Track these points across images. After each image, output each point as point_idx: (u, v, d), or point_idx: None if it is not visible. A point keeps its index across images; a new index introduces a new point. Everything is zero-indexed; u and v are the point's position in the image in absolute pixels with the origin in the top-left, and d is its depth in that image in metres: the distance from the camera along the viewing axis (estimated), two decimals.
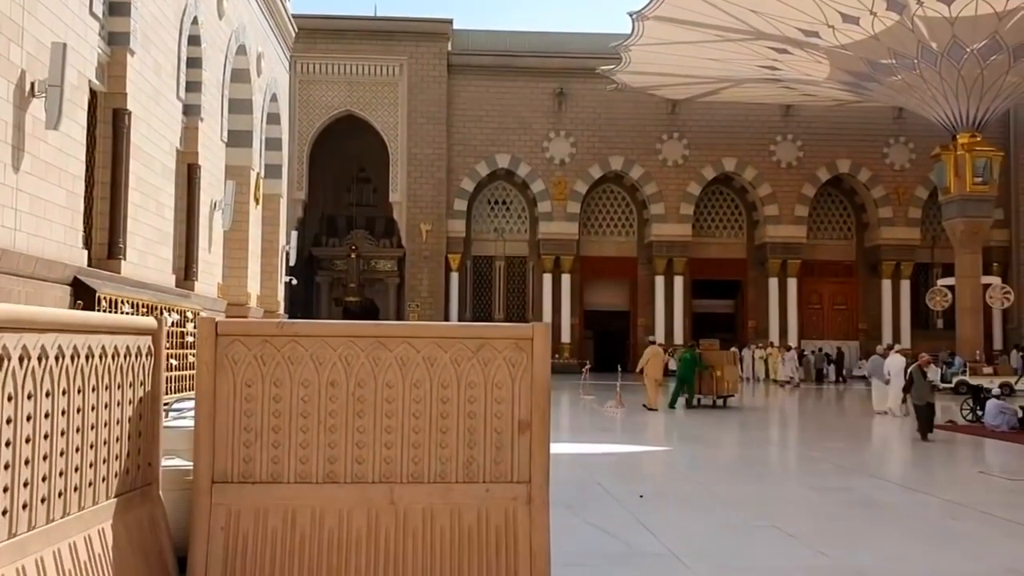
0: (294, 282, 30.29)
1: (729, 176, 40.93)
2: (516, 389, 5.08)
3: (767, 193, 40.26)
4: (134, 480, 4.63)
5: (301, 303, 38.39)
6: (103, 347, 4.21)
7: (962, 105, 29.73)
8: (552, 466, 11.09)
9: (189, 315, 18.39)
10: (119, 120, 15.12)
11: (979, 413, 17.80)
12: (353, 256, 38.88)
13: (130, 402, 4.54)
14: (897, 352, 20.70)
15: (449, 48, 39.08)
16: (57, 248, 12.46)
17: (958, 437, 16.04)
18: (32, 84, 11.34)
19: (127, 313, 14.61)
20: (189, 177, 19.54)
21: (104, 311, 13.52)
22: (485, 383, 5.05)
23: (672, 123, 40.01)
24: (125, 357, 4.47)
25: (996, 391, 19.25)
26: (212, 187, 20.82)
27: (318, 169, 39.15)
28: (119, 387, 4.40)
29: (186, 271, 19.42)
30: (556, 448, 13.07)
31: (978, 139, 30.20)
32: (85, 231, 14.42)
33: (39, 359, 3.54)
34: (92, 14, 13.34)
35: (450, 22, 39.02)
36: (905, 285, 40.72)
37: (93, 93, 14.48)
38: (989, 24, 26.65)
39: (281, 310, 28.15)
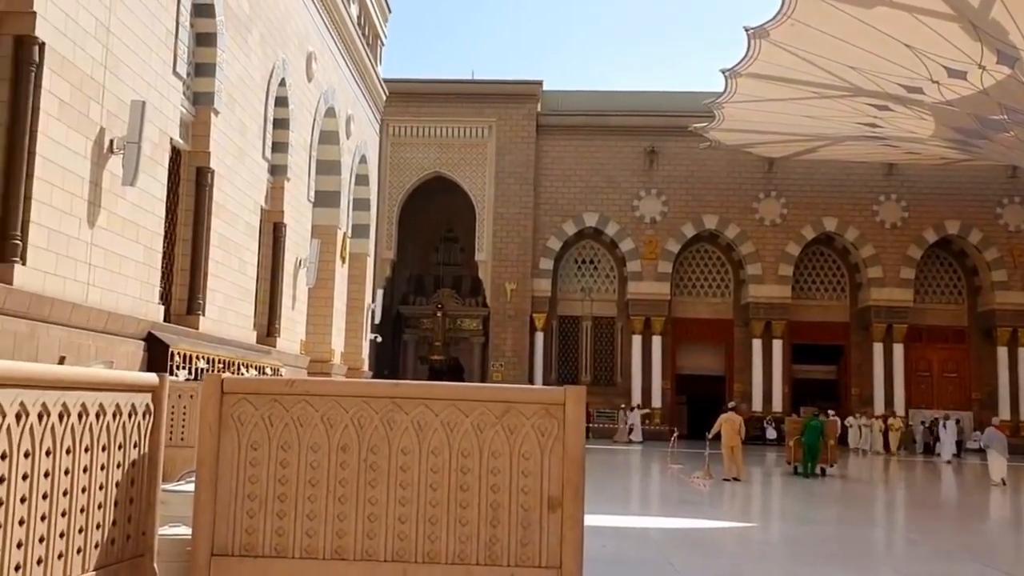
0: (379, 339, 30.36)
1: (830, 236, 39.52)
2: (546, 461, 4.49)
3: (870, 254, 38.62)
4: (121, 551, 4.24)
5: (388, 361, 38.52)
6: (83, 405, 3.85)
7: None
8: (623, 542, 10.39)
9: (269, 371, 18.44)
10: (202, 178, 15.37)
11: None
12: (439, 315, 38.91)
13: (119, 465, 4.17)
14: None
15: (538, 109, 39.24)
16: (132, 303, 12.55)
17: None
18: (111, 141, 11.55)
19: (203, 369, 14.65)
20: (275, 235, 19.79)
21: (177, 366, 13.55)
22: (511, 453, 4.48)
23: (769, 181, 39.00)
24: (115, 416, 4.11)
25: None
26: (298, 245, 21.06)
27: (407, 228, 39.58)
28: (104, 449, 4.03)
29: (268, 328, 19.54)
30: (631, 522, 12.37)
31: None
32: (165, 287, 14.59)
33: None
34: (175, 74, 13.64)
35: (540, 83, 39.26)
36: (1023, 353, 38.15)
37: (177, 151, 14.79)
38: None
39: (366, 367, 28.20)
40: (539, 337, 38.57)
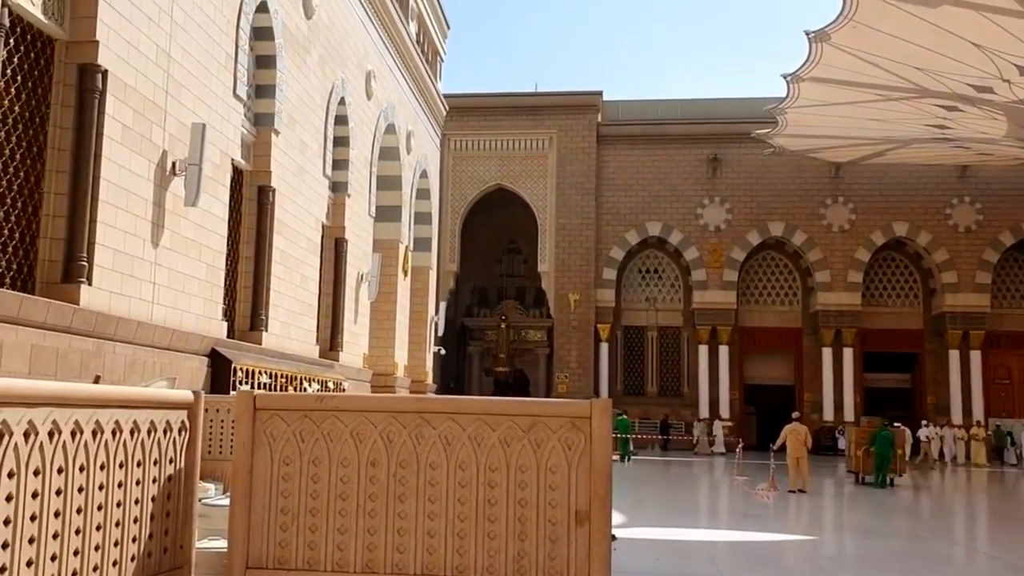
0: (443, 352, 30.58)
1: (901, 241, 38.51)
2: (573, 475, 4.49)
3: (944, 259, 37.49)
4: (159, 564, 4.36)
5: (453, 374, 38.77)
6: (116, 422, 3.98)
7: None
8: (680, 556, 10.26)
9: (331, 385, 18.73)
10: (264, 197, 15.73)
11: None
12: (503, 327, 39.04)
13: (155, 480, 4.29)
14: None
15: (599, 119, 39.17)
16: (195, 320, 12.90)
17: None
18: (173, 163, 11.93)
19: (264, 384, 14.96)
20: (336, 251, 20.12)
21: (240, 381, 13.86)
22: (538, 467, 4.50)
23: (836, 187, 38.21)
24: (149, 433, 4.24)
25: None
26: (359, 260, 21.38)
27: (469, 241, 39.88)
28: (139, 464, 4.17)
29: (331, 342, 19.84)
30: (691, 535, 12.21)
31: None
32: (229, 304, 14.96)
33: (25, 435, 3.32)
34: (236, 96, 14.02)
35: (600, 94, 39.21)
36: None
37: (238, 171, 15.18)
38: None
39: (430, 380, 28.42)
40: (604, 348, 38.40)
